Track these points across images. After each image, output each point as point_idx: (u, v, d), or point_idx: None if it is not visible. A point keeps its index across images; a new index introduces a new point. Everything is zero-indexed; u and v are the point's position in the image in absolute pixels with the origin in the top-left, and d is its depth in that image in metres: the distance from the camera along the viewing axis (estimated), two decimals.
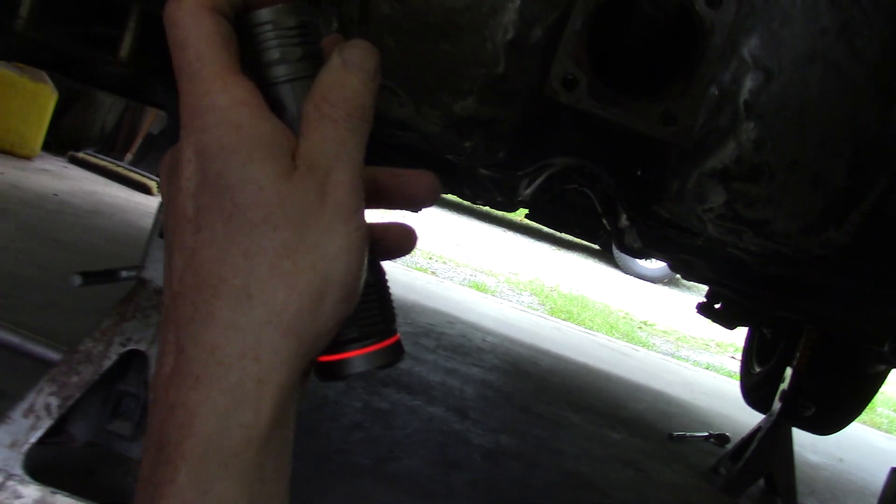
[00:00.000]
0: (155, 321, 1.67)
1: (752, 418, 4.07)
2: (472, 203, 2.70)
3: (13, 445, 1.60)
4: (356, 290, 0.52)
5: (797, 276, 1.78)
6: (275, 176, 0.48)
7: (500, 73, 1.41)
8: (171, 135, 7.14)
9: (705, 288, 3.77)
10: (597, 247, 11.25)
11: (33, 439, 1.61)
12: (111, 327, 1.67)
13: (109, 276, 1.78)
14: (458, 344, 4.65)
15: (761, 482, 3.60)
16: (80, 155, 6.81)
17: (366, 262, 0.53)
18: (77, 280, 1.74)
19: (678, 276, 9.88)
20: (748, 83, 1.35)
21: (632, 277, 11.47)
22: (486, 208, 10.84)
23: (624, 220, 2.22)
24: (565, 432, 3.67)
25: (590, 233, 3.72)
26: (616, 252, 11.05)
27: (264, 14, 0.53)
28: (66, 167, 6.61)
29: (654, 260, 4.60)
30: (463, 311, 5.81)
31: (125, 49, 1.35)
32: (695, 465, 3.80)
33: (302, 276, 0.49)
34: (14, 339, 2.13)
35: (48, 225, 4.29)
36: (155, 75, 1.67)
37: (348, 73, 0.52)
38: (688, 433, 4.23)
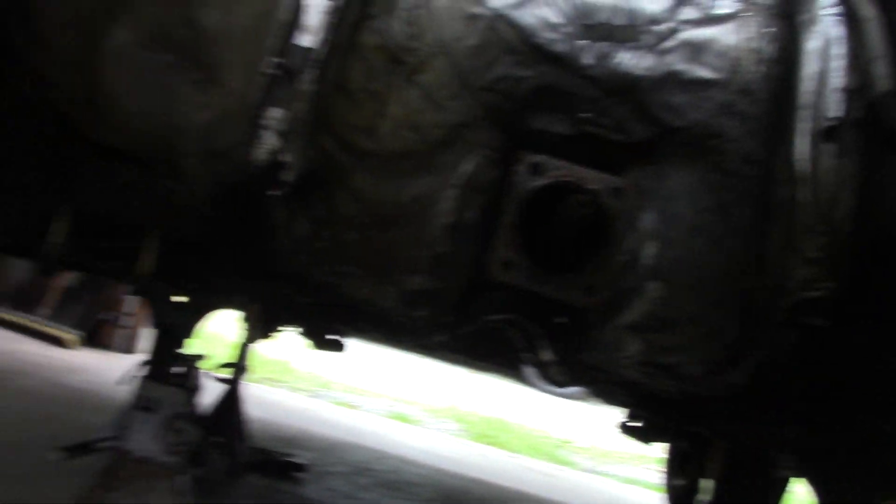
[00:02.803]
0: (136, 489, 1.79)
1: None
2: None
3: None
4: None
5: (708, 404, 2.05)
6: None
7: (443, 252, 1.66)
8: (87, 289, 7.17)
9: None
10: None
11: None
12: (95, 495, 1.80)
13: (86, 448, 1.91)
14: (391, 480, 4.76)
15: None
16: None
17: None
18: (57, 456, 1.87)
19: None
20: (650, 251, 1.63)
21: (545, 394, 11.70)
22: None
23: (547, 356, 2.47)
24: None
25: (505, 364, 3.96)
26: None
27: None
28: None
29: None
30: (389, 444, 5.92)
31: (145, 267, 1.53)
32: None
33: None
34: None
35: None
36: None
37: None
38: None
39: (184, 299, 1.88)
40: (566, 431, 9.46)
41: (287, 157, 1.37)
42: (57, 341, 6.55)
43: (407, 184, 1.61)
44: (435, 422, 8.04)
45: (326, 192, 1.51)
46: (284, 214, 1.45)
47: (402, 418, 7.64)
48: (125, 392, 4.12)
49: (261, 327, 4.27)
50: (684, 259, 1.61)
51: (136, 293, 1.86)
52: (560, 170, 1.49)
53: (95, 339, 7.15)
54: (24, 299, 7.18)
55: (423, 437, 6.83)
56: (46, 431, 3.70)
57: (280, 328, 4.49)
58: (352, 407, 7.53)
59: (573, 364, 2.12)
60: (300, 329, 4.39)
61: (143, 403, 1.85)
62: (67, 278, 7.19)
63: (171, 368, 1.93)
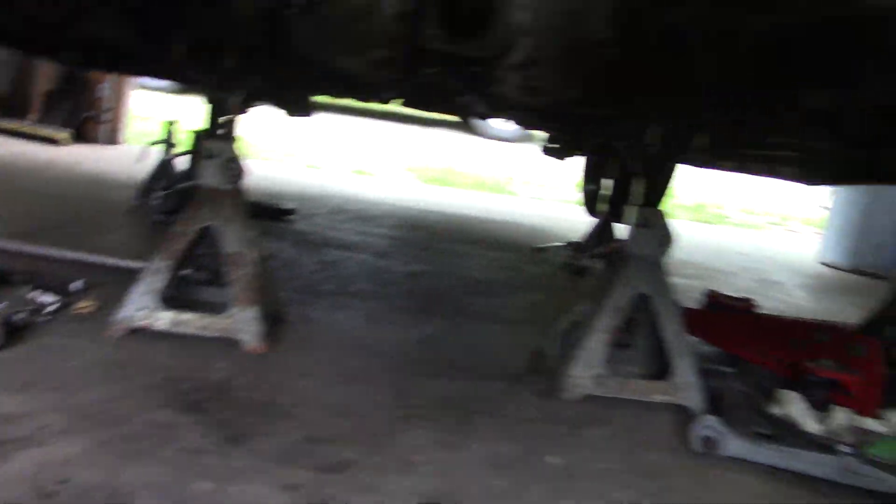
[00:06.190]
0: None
1: None
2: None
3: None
4: None
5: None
6: None
7: (393, 31, 2.61)
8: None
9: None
10: (456, 119, 12.57)
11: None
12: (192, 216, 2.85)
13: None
14: (363, 215, 5.93)
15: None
16: None
17: None
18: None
19: (528, 133, 11.28)
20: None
21: (492, 140, 12.82)
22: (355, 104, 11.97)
23: (470, 96, 3.50)
24: (458, 257, 5.04)
25: (451, 109, 5.01)
26: (472, 122, 12.42)
27: None
28: None
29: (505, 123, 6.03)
30: (356, 192, 7.06)
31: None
32: (554, 263, 5.25)
33: None
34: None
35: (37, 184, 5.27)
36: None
37: None
38: (548, 244, 5.66)
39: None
40: (507, 171, 10.65)
41: None
42: (50, 140, 7.37)
43: None
44: (391, 174, 9.16)
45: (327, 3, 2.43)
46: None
47: (362, 173, 8.75)
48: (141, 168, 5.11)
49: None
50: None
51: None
52: None
53: (83, 135, 7.95)
54: (11, 107, 7.89)
55: (382, 185, 7.97)
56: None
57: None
58: (317, 168, 8.59)
59: (488, 98, 3.16)
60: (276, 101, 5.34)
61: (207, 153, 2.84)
62: (49, 82, 7.87)
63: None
